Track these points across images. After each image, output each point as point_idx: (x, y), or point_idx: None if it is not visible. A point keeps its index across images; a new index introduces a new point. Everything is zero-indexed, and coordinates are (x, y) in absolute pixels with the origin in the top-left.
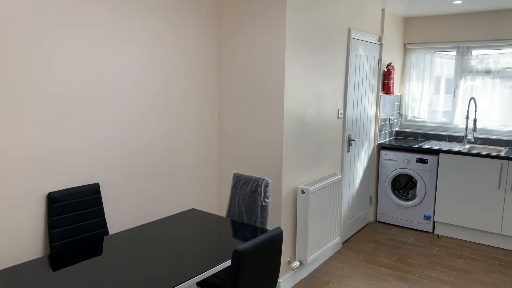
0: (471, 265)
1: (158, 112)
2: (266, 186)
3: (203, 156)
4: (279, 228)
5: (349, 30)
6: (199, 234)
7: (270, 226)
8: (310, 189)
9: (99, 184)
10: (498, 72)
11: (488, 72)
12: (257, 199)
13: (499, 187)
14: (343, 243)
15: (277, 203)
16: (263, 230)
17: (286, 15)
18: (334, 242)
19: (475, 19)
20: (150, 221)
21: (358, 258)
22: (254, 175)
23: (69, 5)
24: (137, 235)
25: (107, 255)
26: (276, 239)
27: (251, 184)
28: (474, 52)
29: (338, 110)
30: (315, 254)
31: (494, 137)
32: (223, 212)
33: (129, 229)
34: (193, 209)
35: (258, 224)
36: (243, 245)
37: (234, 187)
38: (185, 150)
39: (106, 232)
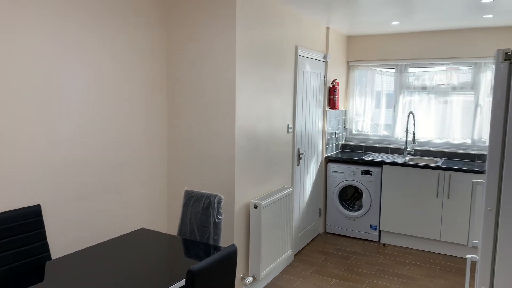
0: (415, 271)
1: (103, 127)
2: (219, 202)
3: (152, 173)
4: (233, 245)
5: (296, 48)
6: (150, 254)
7: (223, 242)
8: (263, 203)
9: (41, 205)
10: (432, 88)
11: (424, 88)
12: (210, 216)
13: (437, 196)
14: (294, 255)
15: (230, 219)
16: (217, 248)
17: (235, 32)
18: (286, 255)
19: (412, 39)
20: (96, 243)
21: (309, 270)
22: (207, 192)
23: (5, 8)
24: (83, 259)
25: (48, 283)
26: (230, 257)
27: (203, 201)
28: (411, 70)
29: (288, 125)
30: (268, 269)
31: (431, 149)
32: (174, 231)
33: (74, 252)
34: (142, 228)
35: (211, 242)
36: (197, 265)
37: (186, 204)
38: (134, 167)
39: (49, 257)
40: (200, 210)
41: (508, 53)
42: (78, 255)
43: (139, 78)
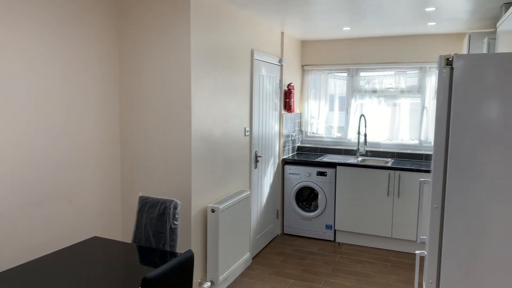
0: (369, 268)
1: (52, 132)
2: (175, 208)
3: (105, 180)
4: (190, 251)
5: (252, 52)
6: (103, 264)
7: (180, 248)
8: (220, 207)
9: None
10: (382, 91)
11: (374, 91)
12: (166, 222)
13: (388, 195)
14: (253, 258)
15: (187, 224)
16: (173, 254)
17: (190, 35)
18: (244, 258)
19: (363, 44)
20: (46, 253)
21: (267, 272)
22: (162, 197)
23: None
24: (32, 271)
25: None
26: (187, 263)
27: (158, 207)
28: (362, 74)
29: (245, 128)
30: (226, 273)
31: (382, 149)
32: (129, 238)
33: (22, 264)
34: (95, 237)
35: (168, 248)
36: (152, 272)
37: (140, 210)
38: (85, 173)
39: None
40: (156, 216)
41: (449, 59)
42: (27, 267)
43: (90, 81)
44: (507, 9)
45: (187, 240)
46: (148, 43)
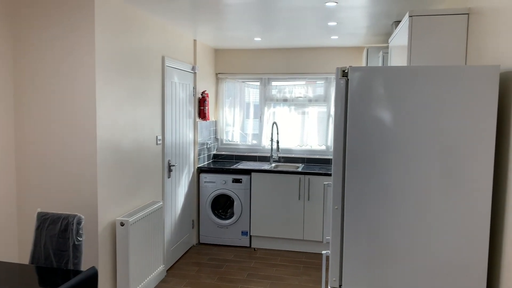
0: (283, 271)
1: None
2: (79, 223)
3: None
4: (93, 268)
5: (163, 58)
6: None
7: (86, 266)
8: (130, 220)
9: None
10: (292, 100)
11: (285, 100)
12: (69, 238)
13: (299, 199)
14: (167, 270)
15: (93, 240)
16: (77, 273)
17: (95, 39)
18: (158, 271)
19: (273, 54)
20: None
21: (183, 283)
22: (64, 212)
23: None
24: None
25: None
26: (90, 280)
27: (60, 223)
28: (273, 83)
29: (157, 137)
30: (138, 287)
31: (293, 155)
32: (26, 259)
33: None
34: None
35: (71, 267)
36: None
37: (39, 228)
38: None
39: None
40: (57, 233)
41: (345, 71)
42: None
43: None
44: (397, 26)
45: (93, 257)
46: (48, 45)
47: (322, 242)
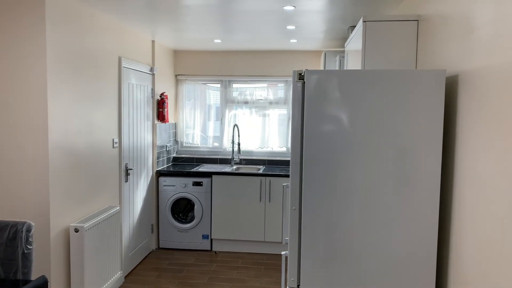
0: (244, 273)
1: None
2: (28, 230)
3: None
4: (42, 277)
5: (119, 59)
6: None
7: (37, 275)
8: (85, 226)
9: None
10: (253, 103)
11: (246, 102)
12: (17, 247)
13: (260, 200)
14: (125, 277)
15: (45, 248)
16: (26, 282)
17: (46, 38)
18: (115, 278)
19: (234, 56)
20: None
21: None
22: (12, 220)
23: None
24: None
25: None
26: None
27: (7, 231)
28: (234, 85)
29: (113, 139)
30: None
31: (254, 157)
32: None
33: None
34: None
35: (20, 276)
36: None
37: None
38: None
39: None
40: (4, 242)
41: (302, 74)
42: None
43: None
44: (352, 31)
45: (45, 266)
46: None
47: (282, 243)
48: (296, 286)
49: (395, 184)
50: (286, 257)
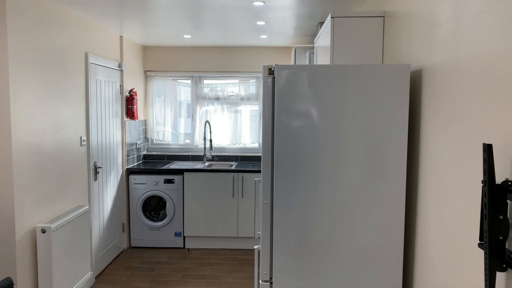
0: (217, 270)
1: None
2: None
3: None
4: (8, 279)
5: (86, 55)
6: None
7: (1, 277)
8: (52, 226)
9: None
10: (225, 99)
11: (217, 98)
12: None
13: (233, 196)
14: (96, 277)
15: (10, 249)
16: None
17: (7, 33)
18: (85, 278)
19: (205, 52)
20: None
21: None
22: None
23: None
24: None
25: None
26: None
27: None
28: (205, 81)
29: (81, 137)
30: None
31: (227, 154)
32: None
33: None
34: None
35: None
36: None
37: None
38: None
39: None
40: None
41: (272, 69)
42: None
43: None
44: (321, 27)
45: (11, 267)
46: None
47: (255, 237)
48: (268, 279)
49: (364, 176)
50: (259, 251)
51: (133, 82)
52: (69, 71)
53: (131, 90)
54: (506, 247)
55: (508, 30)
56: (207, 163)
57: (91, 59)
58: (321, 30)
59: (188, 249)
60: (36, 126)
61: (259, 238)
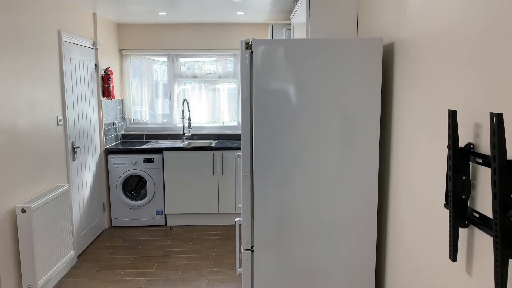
0: (199, 245)
1: None
2: None
3: None
4: None
5: (59, 33)
6: None
7: None
8: (32, 206)
9: None
10: (202, 77)
11: (195, 77)
12: None
13: (213, 174)
14: (78, 256)
15: None
16: None
17: None
18: (67, 257)
19: (181, 29)
20: None
21: (96, 267)
22: None
23: None
24: None
25: None
26: None
27: None
28: (182, 59)
29: (57, 117)
30: (46, 276)
31: (206, 132)
32: None
33: None
34: None
35: None
36: None
37: None
38: None
39: None
40: None
41: (249, 44)
42: None
43: None
44: (297, 2)
45: None
46: None
47: (236, 212)
48: (250, 247)
49: (339, 147)
50: (240, 224)
51: (108, 61)
52: (42, 49)
53: (106, 69)
54: (468, 205)
55: (472, 4)
56: (186, 142)
57: (64, 37)
58: (297, 6)
59: (170, 226)
60: (10, 106)
61: (240, 213)
